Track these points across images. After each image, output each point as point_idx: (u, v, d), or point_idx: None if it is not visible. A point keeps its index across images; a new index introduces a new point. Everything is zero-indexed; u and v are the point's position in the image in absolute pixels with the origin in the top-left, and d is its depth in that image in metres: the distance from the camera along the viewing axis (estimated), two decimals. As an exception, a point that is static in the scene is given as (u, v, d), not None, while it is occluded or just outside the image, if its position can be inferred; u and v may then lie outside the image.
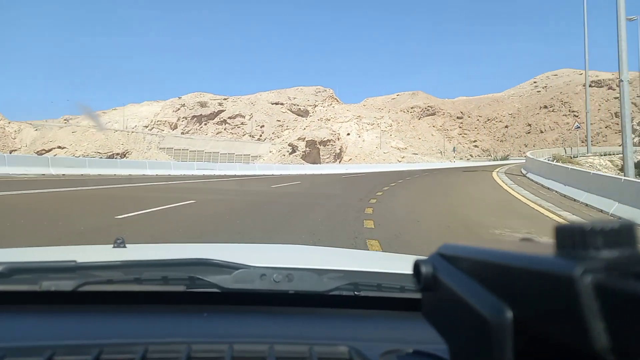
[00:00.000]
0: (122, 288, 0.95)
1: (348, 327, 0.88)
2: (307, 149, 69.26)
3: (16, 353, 0.70)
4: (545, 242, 0.34)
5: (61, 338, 0.75)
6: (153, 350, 0.70)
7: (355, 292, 0.98)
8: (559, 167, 15.29)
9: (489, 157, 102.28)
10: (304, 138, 70.00)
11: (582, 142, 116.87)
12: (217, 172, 31.48)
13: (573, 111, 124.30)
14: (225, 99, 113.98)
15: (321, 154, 69.73)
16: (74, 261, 0.88)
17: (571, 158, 24.94)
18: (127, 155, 78.88)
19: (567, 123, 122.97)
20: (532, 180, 17.73)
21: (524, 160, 65.76)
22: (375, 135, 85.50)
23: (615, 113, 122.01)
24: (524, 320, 0.30)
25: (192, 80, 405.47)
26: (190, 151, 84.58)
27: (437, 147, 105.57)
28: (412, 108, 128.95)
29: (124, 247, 1.30)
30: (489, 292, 0.34)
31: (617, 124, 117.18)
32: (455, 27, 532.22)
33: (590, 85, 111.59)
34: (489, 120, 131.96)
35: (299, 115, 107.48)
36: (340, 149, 73.03)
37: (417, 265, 0.43)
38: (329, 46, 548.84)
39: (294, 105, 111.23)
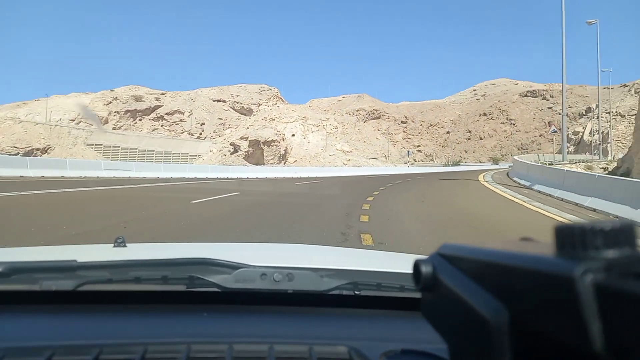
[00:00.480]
0: (122, 288, 0.95)
1: (348, 327, 0.88)
2: (250, 149, 65.29)
3: (16, 353, 0.70)
4: (545, 242, 0.34)
5: (61, 338, 0.75)
6: (152, 351, 0.70)
7: (355, 292, 0.98)
8: (610, 181, 10.65)
9: (438, 162, 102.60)
10: (247, 137, 66.01)
11: (518, 149, 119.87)
12: (133, 174, 24.23)
13: (510, 119, 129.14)
14: (162, 94, 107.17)
15: (265, 154, 66.02)
16: (74, 260, 0.88)
17: (550, 165, 23.03)
18: (49, 151, 71.14)
19: (505, 130, 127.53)
20: (552, 195, 13.24)
21: (480, 167, 64.90)
22: (321, 137, 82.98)
23: (549, 122, 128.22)
24: (523, 320, 0.30)
25: (127, 73, 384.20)
26: (122, 148, 77.86)
27: (382, 151, 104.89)
28: (357, 111, 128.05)
29: (124, 246, 1.29)
30: (489, 292, 0.34)
31: (550, 133, 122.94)
32: (398, 32, 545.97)
33: (526, 95, 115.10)
34: (431, 125, 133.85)
35: (242, 113, 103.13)
36: (285, 150, 69.68)
37: (417, 265, 0.43)
38: (273, 45, 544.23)
39: (237, 103, 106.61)
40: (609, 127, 69.19)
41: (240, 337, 0.78)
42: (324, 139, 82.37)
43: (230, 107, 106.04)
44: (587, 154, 71.89)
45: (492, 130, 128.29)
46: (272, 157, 66.56)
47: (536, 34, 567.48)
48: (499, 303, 0.32)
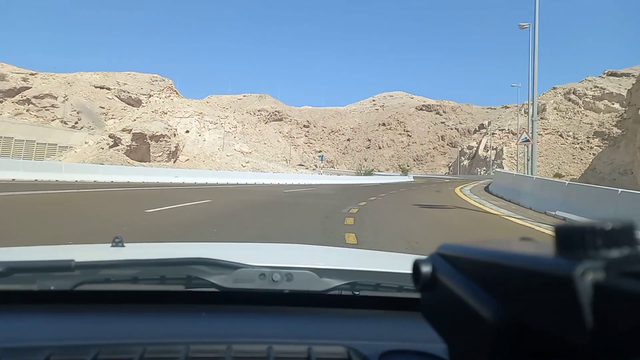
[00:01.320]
0: (120, 287, 0.94)
1: (347, 327, 0.88)
2: (134, 143, 56.52)
3: (13, 354, 0.69)
4: (545, 242, 0.34)
5: (59, 338, 0.74)
6: (151, 351, 0.70)
7: (355, 292, 0.99)
8: None
9: (344, 170, 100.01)
10: (130, 130, 57.04)
11: (414, 160, 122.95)
12: None
13: (407, 131, 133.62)
14: (32, 74, 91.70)
15: (152, 151, 57.82)
16: (72, 260, 0.86)
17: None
18: None
19: (402, 141, 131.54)
20: None
21: (397, 178, 56.33)
22: (218, 136, 76.38)
23: (442, 136, 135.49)
24: (523, 320, 0.30)
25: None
26: (-31, 133, 63.62)
27: (283, 154, 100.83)
28: (259, 111, 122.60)
29: (122, 246, 1.29)
30: (489, 292, 0.33)
31: (443, 147, 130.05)
32: (303, 36, 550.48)
33: (421, 109, 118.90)
34: (333, 131, 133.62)
35: (129, 104, 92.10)
36: (176, 147, 61.93)
37: (416, 265, 0.42)
38: (171, 33, 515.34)
39: (124, 92, 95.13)
40: (503, 144, 72.56)
41: (239, 337, 0.78)
42: (222, 137, 75.89)
43: (116, 96, 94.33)
44: (484, 168, 75.30)
45: (391, 140, 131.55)
46: (160, 154, 58.56)
47: (432, 52, 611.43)
48: (499, 303, 0.32)
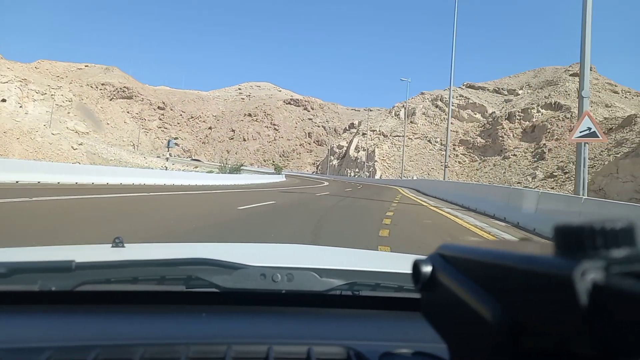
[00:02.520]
0: (120, 288, 0.95)
1: (347, 327, 0.89)
2: None
3: (14, 354, 0.69)
4: (545, 242, 0.34)
5: (59, 339, 0.75)
6: (152, 352, 0.70)
7: (355, 292, 0.99)
8: None
9: (202, 162, 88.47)
10: None
11: (280, 156, 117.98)
12: None
13: (274, 124, 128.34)
14: None
15: None
16: (73, 261, 0.87)
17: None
18: None
19: (269, 135, 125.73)
20: None
21: (268, 176, 43.57)
22: (46, 110, 61.31)
23: (309, 133, 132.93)
24: (523, 320, 0.30)
25: None
26: None
27: (131, 138, 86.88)
28: (103, 85, 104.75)
29: (123, 246, 1.29)
30: (489, 292, 0.33)
31: (310, 144, 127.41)
32: (162, 8, 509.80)
33: (289, 103, 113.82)
34: (192, 117, 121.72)
35: None
36: (-26, 118, 46.32)
37: (416, 265, 0.42)
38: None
39: None
40: (375, 145, 70.73)
41: (239, 337, 0.78)
42: (50, 112, 60.96)
43: None
44: (355, 169, 72.91)
45: (256, 132, 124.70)
46: (-54, 125, 42.90)
47: (301, 46, 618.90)
48: (499, 303, 0.32)
